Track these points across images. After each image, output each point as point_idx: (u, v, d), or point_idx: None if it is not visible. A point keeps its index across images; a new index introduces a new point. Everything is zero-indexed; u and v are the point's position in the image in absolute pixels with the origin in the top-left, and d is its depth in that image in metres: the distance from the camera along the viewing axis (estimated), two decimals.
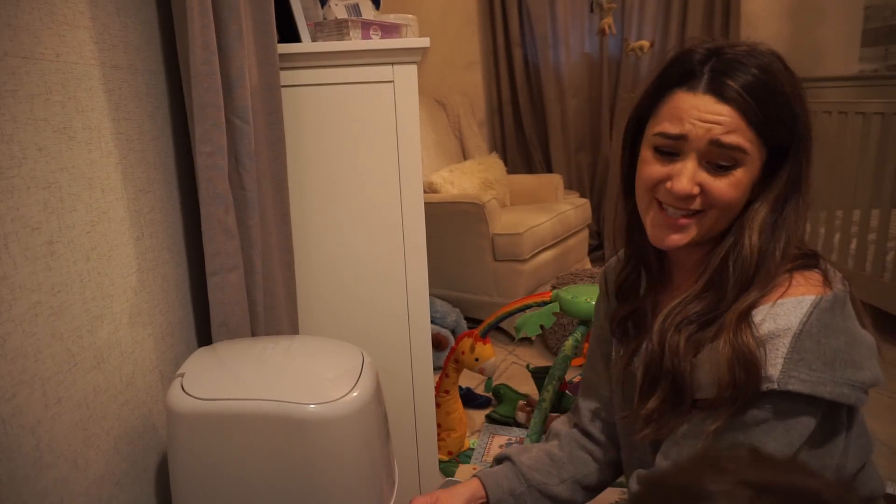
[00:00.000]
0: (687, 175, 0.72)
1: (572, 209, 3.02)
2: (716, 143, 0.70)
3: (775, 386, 0.65)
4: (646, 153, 0.77)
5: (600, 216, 3.73)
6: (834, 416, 0.70)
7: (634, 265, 0.89)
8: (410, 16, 1.51)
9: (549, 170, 3.69)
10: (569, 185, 3.60)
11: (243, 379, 0.93)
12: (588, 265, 3.27)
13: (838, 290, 0.69)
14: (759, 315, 0.69)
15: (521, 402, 2.07)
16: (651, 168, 0.76)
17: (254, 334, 1.16)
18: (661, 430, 0.75)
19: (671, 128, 0.73)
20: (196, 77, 1.01)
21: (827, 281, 0.71)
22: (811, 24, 3.45)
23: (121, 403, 0.95)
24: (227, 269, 1.09)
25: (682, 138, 0.72)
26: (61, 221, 0.82)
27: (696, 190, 0.72)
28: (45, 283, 0.78)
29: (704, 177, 0.72)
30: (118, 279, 0.95)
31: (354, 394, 0.88)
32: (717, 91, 0.70)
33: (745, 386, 0.66)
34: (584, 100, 3.67)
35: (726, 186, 0.72)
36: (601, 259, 3.66)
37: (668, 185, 0.74)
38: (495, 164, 3.19)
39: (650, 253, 0.85)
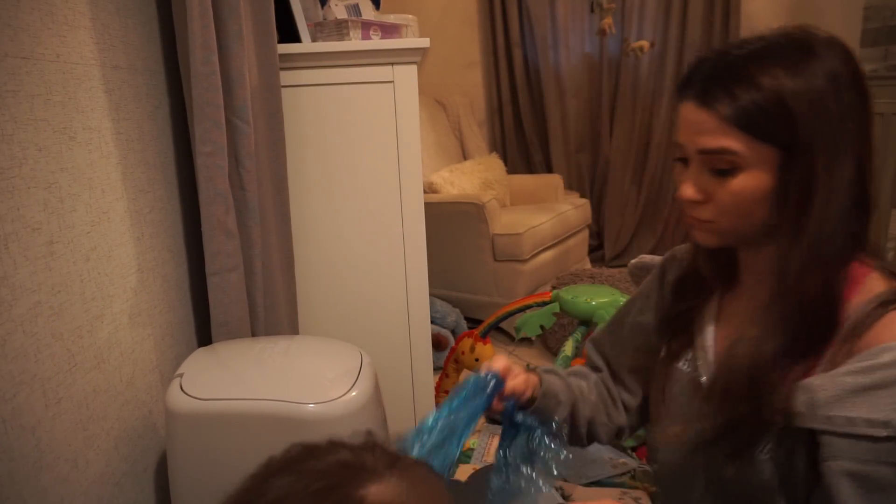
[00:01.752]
0: (688, 181, 0.72)
1: (572, 209, 3.02)
2: (703, 151, 0.70)
3: (895, 433, 0.62)
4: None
5: (600, 216, 3.72)
6: None
7: (695, 266, 0.86)
8: (410, 16, 1.51)
9: (549, 170, 3.69)
10: (569, 185, 3.60)
11: (242, 379, 0.93)
12: (588, 265, 3.28)
13: None
14: (886, 355, 0.65)
15: None
16: (676, 175, 0.76)
17: (254, 334, 1.16)
18: (752, 461, 0.72)
19: (675, 135, 0.73)
20: (196, 77, 1.01)
21: None
22: (811, 24, 3.44)
23: (121, 404, 0.95)
24: (227, 270, 1.09)
25: (681, 146, 0.72)
26: (61, 221, 0.82)
27: (697, 196, 0.71)
28: (46, 284, 0.78)
29: (710, 183, 0.71)
30: (118, 279, 0.95)
31: (353, 393, 0.88)
32: (701, 97, 0.69)
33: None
34: (584, 100, 3.66)
35: (727, 193, 0.70)
36: (601, 259, 3.66)
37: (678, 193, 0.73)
38: (495, 164, 3.19)
39: (719, 253, 0.82)
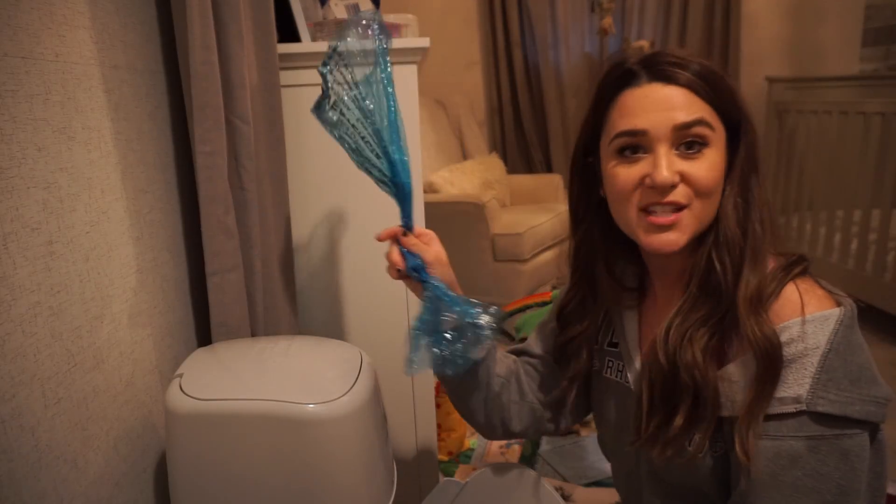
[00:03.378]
0: (664, 164, 0.69)
1: None
2: (681, 125, 0.68)
3: (804, 407, 0.64)
4: (609, 165, 0.74)
5: None
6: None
7: (580, 291, 0.87)
8: (410, 16, 1.51)
9: (549, 170, 3.69)
10: None
11: (242, 379, 0.93)
12: None
13: (850, 303, 0.67)
14: (785, 334, 0.66)
15: None
16: (622, 176, 0.72)
17: (253, 334, 1.16)
18: (682, 452, 0.72)
19: (628, 124, 0.70)
20: (196, 77, 1.01)
21: (829, 292, 0.69)
22: (812, 23, 3.45)
23: (120, 404, 0.95)
24: (226, 269, 1.09)
25: (642, 133, 0.70)
26: (61, 221, 0.82)
27: (676, 179, 0.69)
28: (45, 284, 0.78)
29: (681, 164, 0.69)
30: (118, 279, 0.95)
31: (353, 393, 0.88)
32: (662, 77, 0.69)
33: (770, 372, 0.65)
34: (584, 100, 3.66)
35: (704, 169, 0.69)
36: None
37: (648, 181, 0.70)
38: (495, 164, 3.19)
39: (624, 272, 0.85)
